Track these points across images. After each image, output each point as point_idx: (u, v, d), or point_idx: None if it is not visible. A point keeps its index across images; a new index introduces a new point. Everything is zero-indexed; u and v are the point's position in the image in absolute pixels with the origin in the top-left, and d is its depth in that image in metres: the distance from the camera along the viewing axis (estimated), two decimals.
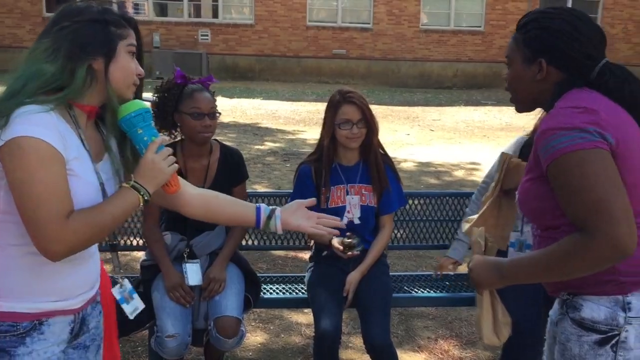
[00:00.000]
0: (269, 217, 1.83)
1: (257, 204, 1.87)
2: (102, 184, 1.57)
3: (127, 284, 1.89)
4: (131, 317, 1.88)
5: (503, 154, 2.00)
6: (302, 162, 2.96)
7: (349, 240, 2.73)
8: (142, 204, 1.56)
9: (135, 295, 1.90)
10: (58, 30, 1.50)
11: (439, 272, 3.09)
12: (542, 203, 1.57)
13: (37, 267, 1.48)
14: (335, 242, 2.75)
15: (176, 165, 1.63)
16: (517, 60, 1.67)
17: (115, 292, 1.86)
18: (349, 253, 2.72)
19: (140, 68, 1.63)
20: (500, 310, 1.81)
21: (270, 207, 1.86)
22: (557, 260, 1.47)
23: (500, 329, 1.81)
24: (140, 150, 1.61)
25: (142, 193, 1.55)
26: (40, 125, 1.41)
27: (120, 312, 2.60)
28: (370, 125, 2.79)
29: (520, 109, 1.76)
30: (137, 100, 1.63)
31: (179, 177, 1.70)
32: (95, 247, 1.65)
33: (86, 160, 1.53)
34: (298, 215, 1.86)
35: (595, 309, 1.54)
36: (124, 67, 1.56)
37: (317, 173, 2.86)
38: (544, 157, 1.50)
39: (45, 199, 1.39)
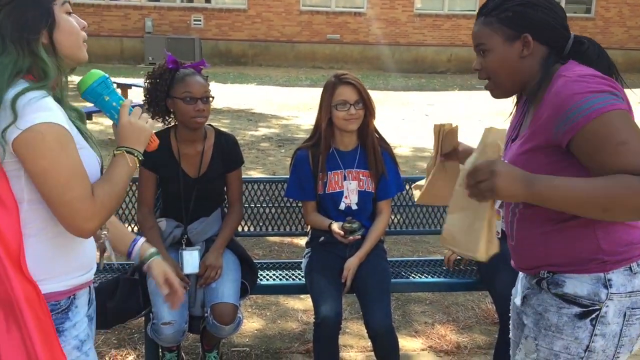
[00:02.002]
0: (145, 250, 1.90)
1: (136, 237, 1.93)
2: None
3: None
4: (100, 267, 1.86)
5: (435, 125, 2.02)
6: (298, 147, 2.93)
7: (350, 224, 2.71)
8: (138, 165, 1.61)
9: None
10: None
11: (448, 267, 3.15)
12: (547, 174, 1.52)
13: (66, 245, 1.53)
14: (336, 227, 2.73)
15: (151, 120, 1.65)
16: (496, 43, 1.64)
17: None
18: (350, 237, 2.71)
19: (83, 21, 1.59)
20: (495, 225, 1.58)
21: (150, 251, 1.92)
22: (610, 193, 1.40)
23: (491, 244, 1.57)
24: (112, 117, 1.63)
25: (135, 155, 1.59)
26: (51, 109, 1.43)
27: (117, 301, 2.61)
28: (367, 106, 2.76)
29: (501, 94, 1.72)
30: (94, 70, 1.63)
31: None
32: None
33: (77, 132, 1.56)
34: (166, 267, 1.92)
35: (578, 285, 1.58)
36: (69, 29, 1.53)
37: (314, 158, 2.83)
38: (575, 121, 1.45)
39: (72, 182, 1.43)
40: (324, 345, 2.60)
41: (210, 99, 2.70)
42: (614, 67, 1.66)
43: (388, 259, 3.00)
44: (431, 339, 3.38)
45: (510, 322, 1.92)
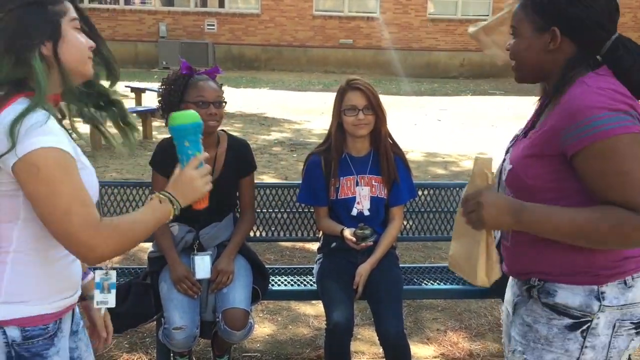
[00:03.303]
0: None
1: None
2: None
3: (113, 276, 1.86)
4: (96, 306, 1.84)
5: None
6: (311, 152, 2.93)
7: (362, 231, 2.70)
8: (171, 217, 1.54)
9: (114, 292, 1.86)
10: None
11: None
12: (538, 182, 1.52)
13: (55, 265, 1.49)
14: (348, 233, 2.72)
15: (210, 185, 1.60)
16: (526, 30, 1.56)
17: (97, 275, 1.84)
18: (362, 244, 2.70)
19: (91, 41, 1.54)
20: (493, 251, 1.63)
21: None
22: (597, 227, 1.41)
23: (491, 270, 1.64)
24: (181, 161, 1.60)
25: (174, 207, 1.53)
26: (52, 133, 1.37)
27: (129, 306, 2.61)
28: (377, 113, 2.76)
29: (521, 79, 1.65)
30: (193, 113, 1.62)
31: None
32: None
33: (79, 150, 1.52)
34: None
35: (570, 296, 1.53)
36: (75, 44, 1.48)
37: (326, 163, 2.83)
38: (580, 138, 1.41)
39: (73, 210, 1.36)
40: (335, 352, 2.59)
41: (223, 104, 2.70)
42: None
43: (400, 265, 2.98)
44: (443, 346, 3.36)
45: (503, 331, 1.87)
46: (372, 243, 2.73)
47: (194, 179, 1.56)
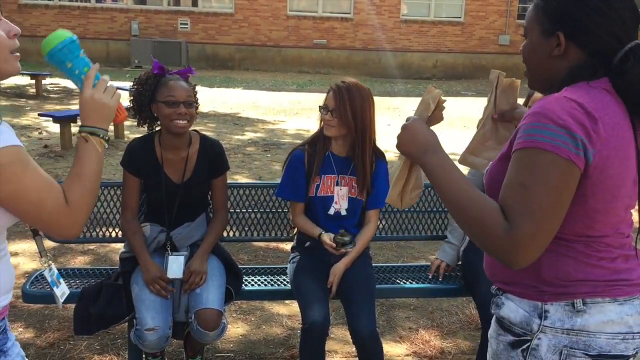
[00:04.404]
0: None
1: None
2: None
3: (54, 269, 1.84)
4: (61, 300, 1.82)
5: (493, 71, 1.86)
6: (295, 147, 2.93)
7: (341, 237, 2.71)
8: (106, 146, 1.51)
9: (62, 280, 1.85)
10: None
11: (434, 273, 3.15)
12: (497, 183, 1.44)
13: (2, 261, 1.45)
14: (327, 238, 2.73)
15: (119, 92, 1.54)
16: (534, 31, 1.47)
17: (47, 274, 1.81)
18: (342, 250, 2.71)
19: (14, 27, 1.39)
20: (415, 178, 1.66)
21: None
22: (471, 213, 1.36)
23: (406, 194, 1.67)
24: (78, 85, 1.52)
25: (101, 135, 1.48)
26: (7, 131, 1.32)
27: (100, 307, 2.58)
28: (347, 120, 2.71)
29: (530, 85, 1.56)
30: (60, 31, 1.48)
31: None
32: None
33: None
34: None
35: (513, 310, 1.46)
36: None
37: (309, 159, 2.84)
38: (519, 139, 1.35)
39: (43, 197, 1.36)
40: (310, 350, 2.60)
41: (195, 104, 2.69)
42: None
43: (373, 264, 3.00)
44: (415, 344, 3.39)
45: None
46: (350, 250, 2.75)
47: (96, 98, 1.48)
